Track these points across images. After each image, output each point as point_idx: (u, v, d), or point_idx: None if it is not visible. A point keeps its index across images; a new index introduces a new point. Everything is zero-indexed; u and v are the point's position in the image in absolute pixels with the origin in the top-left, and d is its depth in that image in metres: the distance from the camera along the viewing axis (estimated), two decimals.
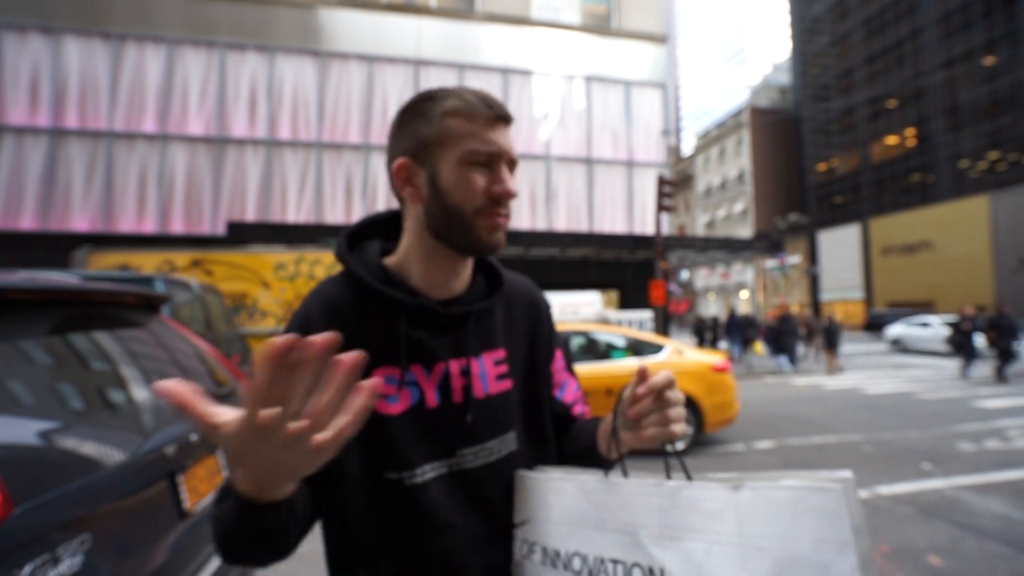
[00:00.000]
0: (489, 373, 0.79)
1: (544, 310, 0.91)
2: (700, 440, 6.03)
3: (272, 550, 0.61)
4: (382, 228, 0.88)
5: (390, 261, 0.80)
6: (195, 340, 2.20)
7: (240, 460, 0.49)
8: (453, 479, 0.75)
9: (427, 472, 0.73)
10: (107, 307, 1.73)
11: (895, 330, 19.81)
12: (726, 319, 15.33)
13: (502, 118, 0.75)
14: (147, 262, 8.14)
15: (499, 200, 0.73)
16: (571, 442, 0.87)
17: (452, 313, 0.77)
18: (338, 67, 13.73)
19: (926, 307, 31.90)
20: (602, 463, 0.77)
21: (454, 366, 0.76)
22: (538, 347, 0.88)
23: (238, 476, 0.52)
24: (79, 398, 1.36)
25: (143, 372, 1.65)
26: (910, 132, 35.17)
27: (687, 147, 72.85)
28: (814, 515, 0.49)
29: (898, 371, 13.28)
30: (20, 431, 1.11)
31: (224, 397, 2.02)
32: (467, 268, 0.81)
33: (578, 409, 0.91)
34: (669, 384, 0.66)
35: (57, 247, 10.72)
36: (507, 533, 0.76)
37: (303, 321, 0.74)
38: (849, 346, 24.34)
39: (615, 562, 0.62)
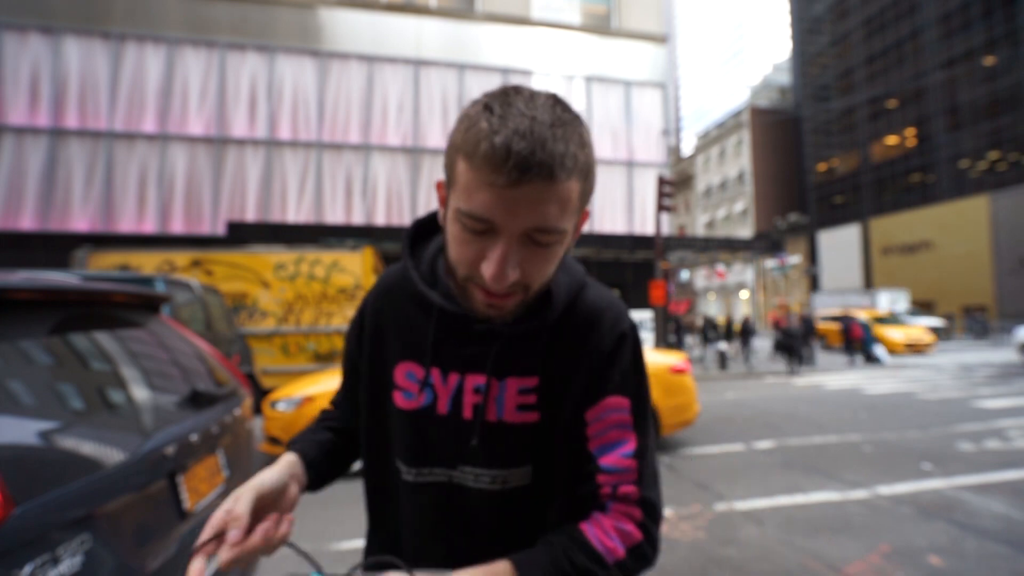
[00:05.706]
0: (509, 400, 0.71)
1: (595, 344, 0.71)
2: (696, 440, 6.03)
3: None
4: None
5: (445, 263, 0.73)
6: (195, 340, 2.20)
7: None
8: (450, 491, 0.73)
9: (426, 475, 0.74)
10: (107, 307, 1.73)
11: None
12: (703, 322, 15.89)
13: (524, 175, 0.53)
14: (147, 262, 8.14)
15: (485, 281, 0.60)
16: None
17: (481, 329, 0.70)
18: (338, 67, 13.73)
19: (926, 307, 31.90)
20: None
21: (469, 381, 0.71)
22: (573, 382, 0.71)
23: None
24: (79, 398, 1.36)
25: (143, 372, 1.65)
26: (910, 132, 35.17)
27: (687, 147, 72.94)
28: None
29: (898, 371, 13.29)
30: (20, 431, 1.11)
31: (224, 397, 2.02)
32: None
33: (607, 488, 0.67)
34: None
35: (57, 247, 10.73)
36: (488, 558, 0.63)
37: (363, 303, 0.83)
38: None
39: None
